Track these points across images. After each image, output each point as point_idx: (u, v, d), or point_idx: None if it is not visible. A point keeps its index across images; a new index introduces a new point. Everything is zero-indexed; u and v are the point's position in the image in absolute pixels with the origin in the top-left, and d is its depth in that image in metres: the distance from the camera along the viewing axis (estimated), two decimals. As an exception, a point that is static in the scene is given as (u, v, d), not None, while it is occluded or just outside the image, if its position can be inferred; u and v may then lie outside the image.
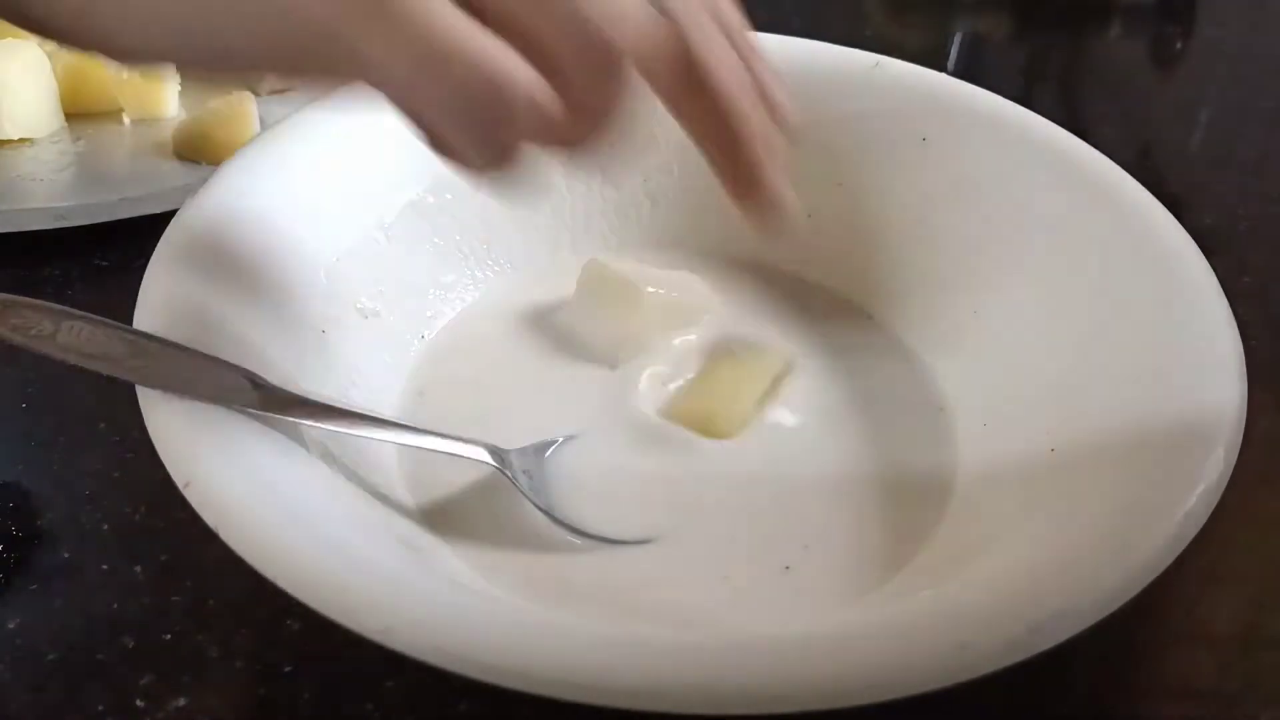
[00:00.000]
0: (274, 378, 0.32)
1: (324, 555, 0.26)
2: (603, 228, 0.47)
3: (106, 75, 0.57)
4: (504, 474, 0.36)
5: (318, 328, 0.38)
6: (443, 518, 0.36)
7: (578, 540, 0.35)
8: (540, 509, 0.35)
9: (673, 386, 0.41)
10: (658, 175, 0.47)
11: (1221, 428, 0.30)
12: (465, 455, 0.35)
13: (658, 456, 0.38)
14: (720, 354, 0.42)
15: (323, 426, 0.32)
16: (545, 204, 0.46)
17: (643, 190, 0.47)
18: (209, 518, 0.27)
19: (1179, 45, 0.76)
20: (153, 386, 0.29)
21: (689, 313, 0.44)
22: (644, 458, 0.38)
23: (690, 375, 0.41)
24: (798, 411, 0.40)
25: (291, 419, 0.32)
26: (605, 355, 0.42)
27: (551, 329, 0.43)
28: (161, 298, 0.33)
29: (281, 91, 0.61)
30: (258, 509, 0.27)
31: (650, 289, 0.42)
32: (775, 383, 0.41)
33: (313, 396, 0.32)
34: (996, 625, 0.26)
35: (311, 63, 0.25)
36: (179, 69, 0.27)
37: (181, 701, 0.31)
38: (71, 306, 0.30)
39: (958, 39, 0.75)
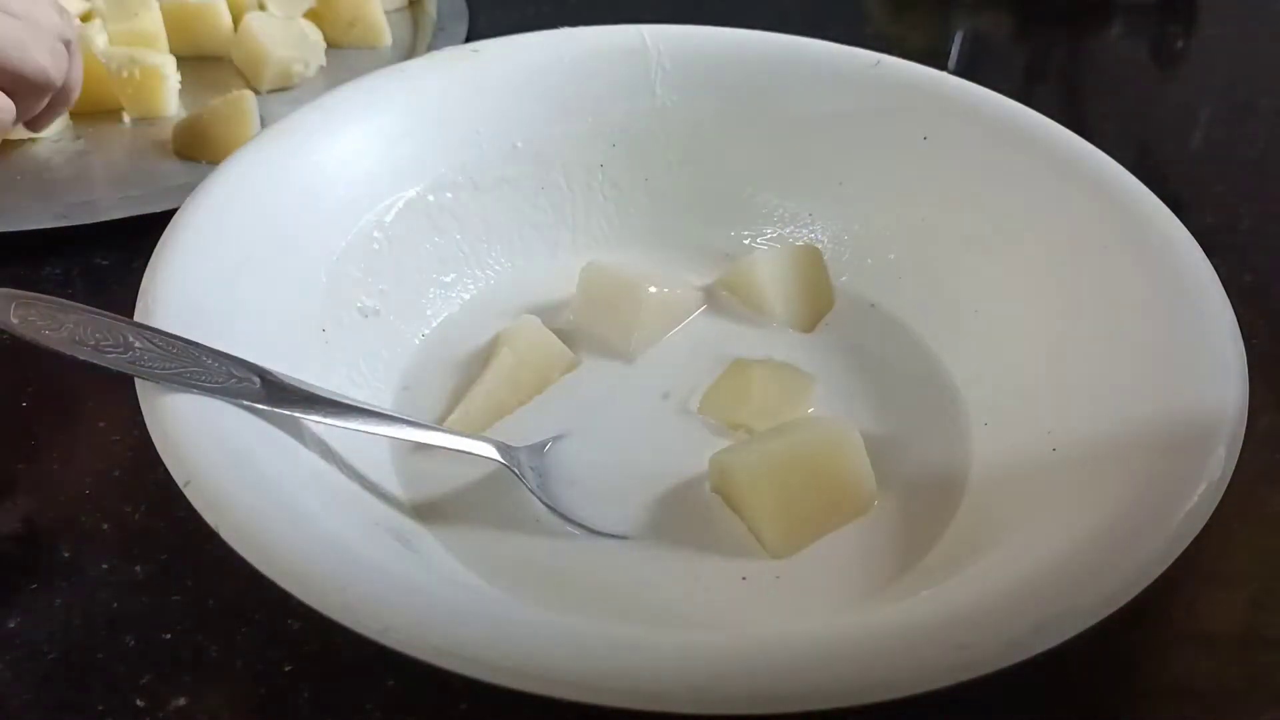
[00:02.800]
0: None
1: (324, 554, 0.26)
2: (603, 227, 0.47)
3: (107, 74, 0.57)
4: (512, 471, 0.36)
5: (318, 326, 0.38)
6: (439, 516, 0.36)
7: (582, 536, 0.35)
8: (548, 506, 0.35)
9: (677, 384, 0.41)
10: (659, 175, 0.47)
11: (1223, 426, 0.30)
12: (474, 452, 0.35)
13: (660, 454, 0.38)
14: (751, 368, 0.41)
15: (332, 423, 0.32)
16: (545, 203, 0.46)
17: (643, 190, 0.47)
18: (209, 517, 0.27)
19: (1180, 44, 0.75)
20: (158, 380, 0.29)
21: (691, 310, 0.44)
22: (647, 455, 0.38)
23: (693, 371, 0.41)
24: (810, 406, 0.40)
25: (299, 414, 0.32)
26: (606, 354, 0.42)
27: (551, 329, 0.43)
28: (162, 295, 0.33)
29: (283, 89, 0.61)
30: (258, 508, 0.27)
31: (652, 288, 0.42)
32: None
33: (320, 392, 0.32)
34: (997, 625, 0.26)
35: None
36: None
37: (182, 701, 0.31)
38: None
39: (959, 38, 0.75)
